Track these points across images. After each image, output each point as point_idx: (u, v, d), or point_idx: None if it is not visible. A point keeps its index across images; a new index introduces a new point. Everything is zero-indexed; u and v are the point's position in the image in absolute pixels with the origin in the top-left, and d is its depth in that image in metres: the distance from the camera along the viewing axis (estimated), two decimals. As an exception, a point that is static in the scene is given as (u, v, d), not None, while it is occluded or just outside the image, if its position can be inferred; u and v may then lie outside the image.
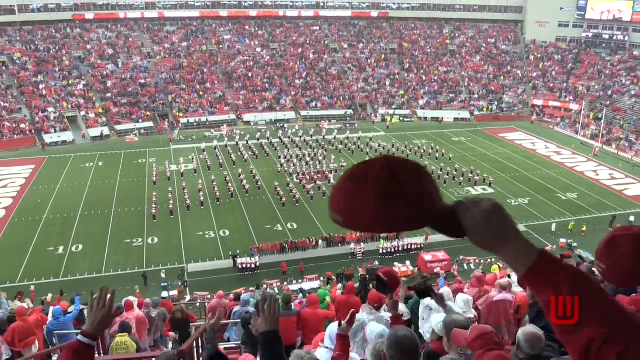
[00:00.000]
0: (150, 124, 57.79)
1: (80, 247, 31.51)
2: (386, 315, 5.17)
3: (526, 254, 1.22)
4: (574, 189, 41.42)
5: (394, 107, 64.67)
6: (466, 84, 69.22)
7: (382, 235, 31.76)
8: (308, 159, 45.91)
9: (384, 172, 1.21)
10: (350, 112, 63.44)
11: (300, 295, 15.16)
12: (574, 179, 44.08)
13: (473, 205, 1.24)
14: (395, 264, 28.46)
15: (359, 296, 8.48)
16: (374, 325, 4.24)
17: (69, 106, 56.87)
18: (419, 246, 31.52)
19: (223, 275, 28.41)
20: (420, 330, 5.72)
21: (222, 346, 6.83)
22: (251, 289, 22.10)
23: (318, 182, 40.43)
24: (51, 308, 9.72)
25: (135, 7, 69.72)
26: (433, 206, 1.24)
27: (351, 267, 27.74)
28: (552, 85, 67.91)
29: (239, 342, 8.71)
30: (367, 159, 1.31)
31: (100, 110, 57.70)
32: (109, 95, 59.79)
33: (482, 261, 28.46)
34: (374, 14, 77.85)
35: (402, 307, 5.86)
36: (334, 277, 26.03)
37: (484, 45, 75.74)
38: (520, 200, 38.77)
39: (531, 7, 75.04)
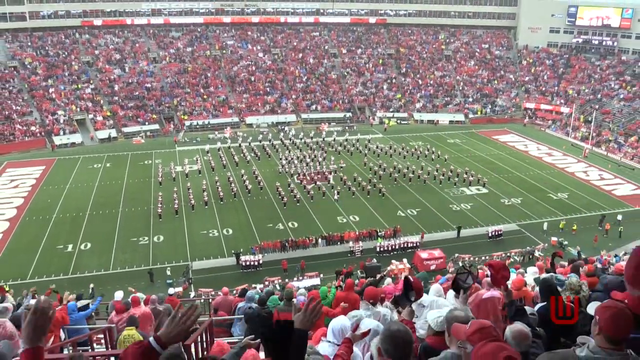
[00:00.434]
0: (156, 126, 59.06)
1: (89, 245, 32.02)
2: (383, 310, 5.39)
3: None
4: (564, 189, 42.43)
5: (391, 110, 66.17)
6: (461, 88, 70.71)
7: (379, 233, 32.85)
8: (308, 160, 46.92)
9: None
10: (349, 115, 64.83)
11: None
12: (564, 179, 45.12)
13: None
14: (393, 261, 28.97)
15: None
16: (368, 321, 4.30)
17: (78, 109, 58.14)
18: (415, 244, 31.91)
19: (226, 273, 28.71)
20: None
21: (226, 341, 7.04)
22: (253, 285, 22.17)
23: (318, 183, 41.49)
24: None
25: (141, 13, 71.33)
26: None
27: (350, 265, 28.30)
28: (543, 89, 69.40)
29: (243, 337, 9.40)
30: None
31: (108, 113, 58.98)
32: (116, 98, 61.14)
33: (476, 259, 29.26)
34: (372, 20, 79.53)
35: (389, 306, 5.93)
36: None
37: (478, 50, 77.27)
38: (513, 200, 39.76)
39: (524, 14, 76.73)
